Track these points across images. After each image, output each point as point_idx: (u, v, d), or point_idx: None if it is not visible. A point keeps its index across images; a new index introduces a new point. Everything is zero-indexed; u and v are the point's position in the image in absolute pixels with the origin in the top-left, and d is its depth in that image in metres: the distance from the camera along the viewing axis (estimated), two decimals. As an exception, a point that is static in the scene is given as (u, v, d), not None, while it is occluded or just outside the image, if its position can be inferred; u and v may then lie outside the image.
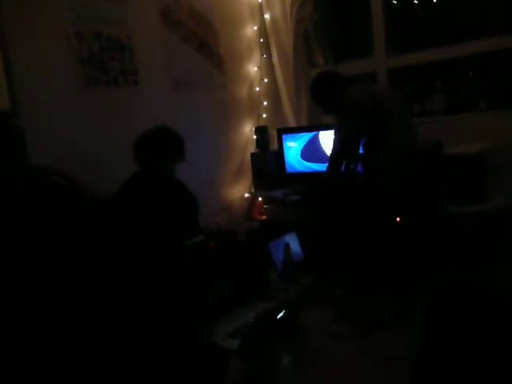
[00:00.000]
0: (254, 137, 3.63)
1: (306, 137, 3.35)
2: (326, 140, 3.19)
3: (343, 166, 2.61)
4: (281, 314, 1.83)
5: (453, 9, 3.34)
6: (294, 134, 3.46)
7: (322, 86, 2.59)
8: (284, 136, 3.49)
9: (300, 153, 3.40)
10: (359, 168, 2.64)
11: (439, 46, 3.10)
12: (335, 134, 2.65)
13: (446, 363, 1.40)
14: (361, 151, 2.60)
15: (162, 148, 2.24)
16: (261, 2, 3.64)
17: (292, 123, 3.64)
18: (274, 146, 3.60)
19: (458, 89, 3.13)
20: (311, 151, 3.34)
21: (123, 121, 2.77)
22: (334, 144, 2.65)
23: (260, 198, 3.66)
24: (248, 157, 3.63)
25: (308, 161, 3.37)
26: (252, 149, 3.65)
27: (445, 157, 2.62)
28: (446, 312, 1.53)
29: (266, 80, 3.75)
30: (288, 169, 3.50)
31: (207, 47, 3.39)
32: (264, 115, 3.76)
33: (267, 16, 3.60)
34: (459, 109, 2.89)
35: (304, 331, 1.86)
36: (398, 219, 2.43)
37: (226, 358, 1.63)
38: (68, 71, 2.58)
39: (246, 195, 3.70)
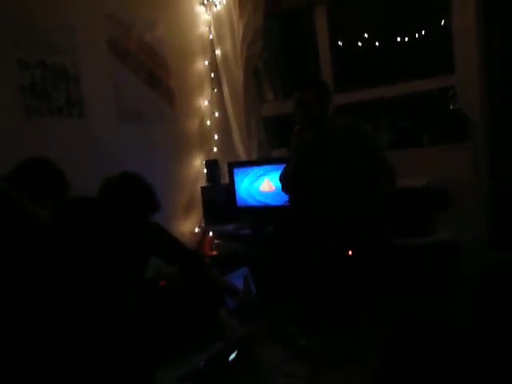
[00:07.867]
0: (205, 170, 3.58)
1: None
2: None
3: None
4: (233, 355, 1.74)
5: (395, 51, 3.54)
6: (244, 168, 3.44)
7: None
8: (235, 170, 3.47)
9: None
10: None
11: (384, 85, 3.24)
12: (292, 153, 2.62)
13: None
14: None
15: (129, 201, 2.01)
16: (212, 38, 3.67)
17: (243, 157, 3.63)
18: (225, 180, 3.56)
19: (402, 125, 3.27)
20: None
21: (67, 153, 2.62)
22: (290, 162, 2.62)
23: (211, 233, 3.58)
24: (198, 190, 3.56)
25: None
26: (202, 182, 3.59)
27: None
28: (401, 346, 1.51)
29: (216, 114, 3.74)
30: (239, 202, 3.46)
31: (157, 80, 3.35)
32: (215, 149, 3.74)
33: (218, 51, 3.63)
34: (404, 144, 3.00)
35: (256, 368, 1.78)
36: (349, 252, 2.43)
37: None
38: (6, 99, 2.44)
39: (197, 230, 3.60)
